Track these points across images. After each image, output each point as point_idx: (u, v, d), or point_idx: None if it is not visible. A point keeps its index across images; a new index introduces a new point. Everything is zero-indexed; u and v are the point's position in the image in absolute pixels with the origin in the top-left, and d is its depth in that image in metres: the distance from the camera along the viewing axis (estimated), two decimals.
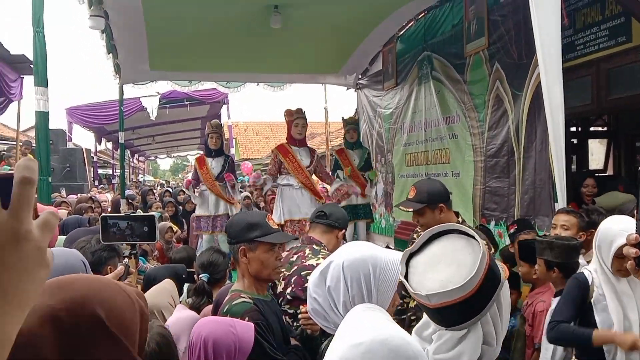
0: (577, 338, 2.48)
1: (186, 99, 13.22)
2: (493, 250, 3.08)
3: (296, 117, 6.47)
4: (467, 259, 1.18)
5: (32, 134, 10.85)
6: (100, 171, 20.15)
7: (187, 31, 6.57)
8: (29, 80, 8.53)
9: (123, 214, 2.28)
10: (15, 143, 9.98)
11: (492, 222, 5.23)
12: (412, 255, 1.30)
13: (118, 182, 12.43)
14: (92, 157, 16.82)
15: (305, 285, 2.25)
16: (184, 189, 7.34)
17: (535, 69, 4.39)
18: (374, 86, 8.45)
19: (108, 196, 11.28)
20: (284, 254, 2.82)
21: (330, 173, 7.33)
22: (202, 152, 8.38)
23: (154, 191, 12.71)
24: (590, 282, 2.47)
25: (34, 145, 7.98)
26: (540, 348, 2.96)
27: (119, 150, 10.71)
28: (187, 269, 3.39)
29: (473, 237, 1.25)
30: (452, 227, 1.31)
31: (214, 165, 7.06)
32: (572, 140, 7.32)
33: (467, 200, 5.63)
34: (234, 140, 17.83)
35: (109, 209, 8.67)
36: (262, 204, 9.54)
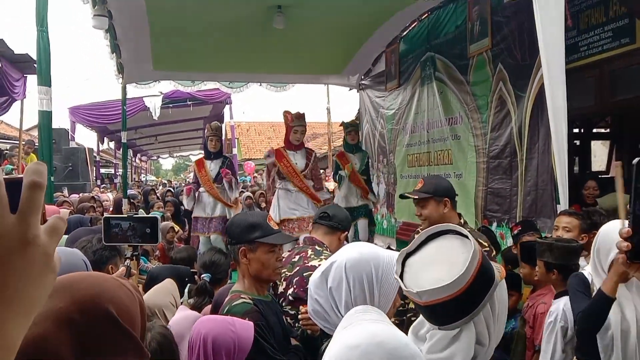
0: (597, 308, 2.32)
1: (189, 99, 13.24)
2: (494, 252, 3.07)
3: (296, 124, 6.47)
4: (460, 258, 1.18)
5: (35, 133, 10.87)
6: (102, 170, 20.19)
7: (190, 31, 6.57)
8: (32, 79, 8.57)
9: (126, 215, 2.28)
10: (18, 142, 10.00)
11: (494, 224, 5.22)
12: (408, 255, 1.31)
13: (120, 182, 12.45)
14: (95, 157, 16.85)
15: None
16: (184, 194, 7.33)
17: (538, 70, 4.38)
18: (376, 87, 8.44)
19: (110, 196, 11.29)
20: (286, 255, 2.82)
21: (332, 175, 7.32)
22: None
23: (156, 191, 12.72)
24: (590, 281, 2.46)
25: (36, 144, 8.00)
26: (540, 350, 2.96)
27: (121, 149, 10.73)
28: (185, 267, 3.40)
29: (467, 237, 1.25)
30: (448, 228, 1.31)
31: (212, 167, 7.07)
32: (575, 141, 7.31)
33: (469, 201, 5.62)
34: (236, 140, 17.84)
35: (111, 209, 8.68)
36: (263, 204, 9.54)
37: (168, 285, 2.92)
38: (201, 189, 7.07)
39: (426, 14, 6.71)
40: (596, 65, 4.52)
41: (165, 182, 28.15)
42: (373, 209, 7.85)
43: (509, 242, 4.57)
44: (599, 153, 9.06)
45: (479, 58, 5.46)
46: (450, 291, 1.14)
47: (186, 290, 3.11)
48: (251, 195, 9.85)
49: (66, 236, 3.24)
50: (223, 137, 8.08)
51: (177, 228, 6.98)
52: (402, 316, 2.89)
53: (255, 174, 19.95)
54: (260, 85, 9.20)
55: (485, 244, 2.91)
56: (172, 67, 8.28)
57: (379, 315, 1.25)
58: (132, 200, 9.09)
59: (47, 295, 0.62)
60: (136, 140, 19.00)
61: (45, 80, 4.26)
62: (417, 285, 1.20)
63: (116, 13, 5.82)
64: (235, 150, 16.55)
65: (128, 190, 9.80)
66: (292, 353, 2.16)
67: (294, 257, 2.77)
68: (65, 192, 10.12)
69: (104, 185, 16.58)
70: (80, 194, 9.80)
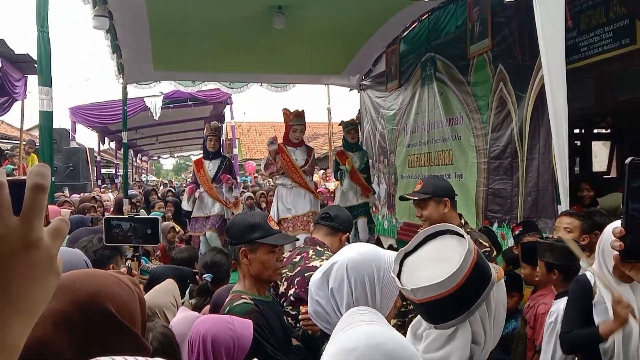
0: (588, 341, 2.43)
1: (190, 99, 13.24)
2: (495, 252, 3.07)
3: (295, 123, 6.47)
4: (456, 257, 1.18)
5: (36, 133, 10.88)
6: (103, 170, 20.18)
7: (191, 31, 6.57)
8: (32, 79, 8.57)
9: (127, 216, 2.28)
10: (18, 142, 10.01)
11: (495, 224, 5.22)
12: (407, 255, 1.31)
13: (121, 182, 12.45)
14: (96, 157, 16.86)
15: None
16: (185, 194, 7.34)
17: (539, 70, 4.38)
18: (377, 87, 8.44)
19: (110, 196, 11.30)
20: (287, 255, 2.82)
21: (333, 173, 7.31)
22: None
23: (157, 191, 12.73)
24: (592, 284, 2.46)
25: (37, 144, 8.00)
26: (541, 350, 2.96)
27: (122, 149, 10.74)
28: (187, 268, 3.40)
29: (463, 236, 1.25)
30: (447, 228, 1.31)
31: (211, 167, 7.08)
32: (576, 142, 7.31)
33: (470, 201, 5.62)
34: (237, 140, 17.84)
35: (112, 209, 8.69)
36: (264, 204, 9.55)
37: (169, 285, 2.92)
38: (200, 189, 7.08)
39: (426, 15, 6.71)
40: (597, 66, 4.52)
41: (166, 182, 28.15)
42: (374, 209, 7.84)
43: (510, 242, 4.57)
44: (600, 153, 9.05)
45: (480, 59, 5.46)
46: (444, 289, 1.15)
47: (187, 290, 3.11)
48: (252, 195, 9.86)
49: (67, 236, 3.24)
50: (223, 138, 8.09)
51: (178, 228, 6.99)
52: (404, 317, 2.89)
53: (256, 174, 19.96)
54: (261, 85, 9.20)
55: (486, 244, 2.92)
56: (173, 68, 8.29)
57: (376, 316, 1.25)
58: (132, 200, 9.10)
59: (50, 297, 0.62)
60: (137, 140, 19.01)
61: (45, 81, 4.26)
62: (412, 283, 1.21)
63: (116, 13, 5.82)
64: (236, 151, 16.56)
65: (129, 190, 9.81)
66: (293, 353, 2.16)
67: (295, 258, 2.77)
68: (66, 192, 10.13)
69: (104, 185, 16.57)
70: (81, 194, 9.81)
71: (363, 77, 8.96)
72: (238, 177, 11.62)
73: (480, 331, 1.20)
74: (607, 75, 4.52)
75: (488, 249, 2.88)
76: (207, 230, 6.92)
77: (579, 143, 7.56)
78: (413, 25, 7.16)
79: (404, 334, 1.28)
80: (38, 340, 0.87)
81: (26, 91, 8.85)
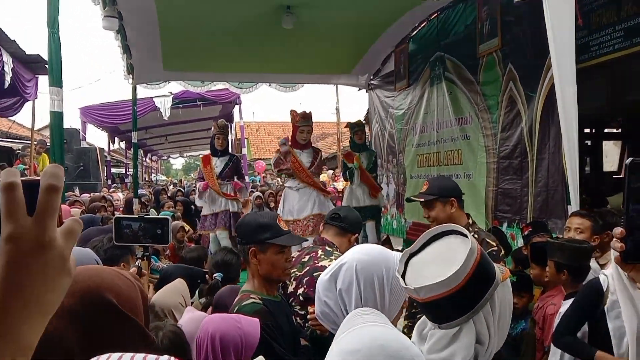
0: (581, 353, 2.53)
1: (199, 99, 13.29)
2: (503, 252, 3.06)
3: (302, 124, 6.49)
4: (459, 257, 1.18)
5: (47, 132, 10.95)
6: (113, 170, 20.32)
7: (200, 32, 6.60)
8: (43, 80, 8.63)
9: (137, 216, 2.29)
10: (30, 142, 10.09)
11: (505, 224, 5.19)
12: (412, 256, 1.31)
13: (131, 181, 12.53)
14: (106, 157, 16.97)
15: None
16: (196, 190, 7.37)
17: (548, 70, 4.35)
18: (386, 87, 8.43)
19: (120, 195, 11.37)
20: (296, 254, 2.83)
21: (342, 173, 7.30)
22: None
23: (167, 190, 12.79)
24: (605, 289, 2.43)
25: (48, 144, 8.06)
26: (550, 351, 2.94)
27: (132, 149, 10.80)
28: (198, 268, 3.42)
29: (466, 236, 1.25)
30: (452, 228, 1.31)
31: (218, 164, 7.13)
32: (586, 141, 7.26)
33: (479, 201, 5.60)
34: (245, 140, 17.87)
35: (122, 208, 8.74)
36: (272, 204, 9.56)
37: (178, 285, 2.93)
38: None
39: (435, 14, 6.69)
40: (607, 65, 4.48)
41: (176, 181, 28.28)
42: (383, 209, 7.82)
43: (520, 242, 4.55)
44: (611, 153, 8.99)
45: (489, 58, 5.44)
46: (446, 287, 1.14)
47: (197, 290, 3.13)
48: (261, 195, 9.88)
49: None
50: (232, 137, 8.12)
51: (187, 227, 7.02)
52: (414, 318, 2.89)
53: (265, 174, 20.00)
54: (270, 85, 9.22)
55: (494, 243, 2.90)
56: (182, 68, 8.33)
57: (379, 317, 1.25)
58: (142, 200, 9.15)
59: (63, 297, 0.62)
60: (147, 140, 19.11)
61: (56, 81, 4.28)
62: (416, 282, 1.21)
63: (126, 14, 5.85)
64: (244, 150, 16.60)
65: (138, 190, 9.87)
66: (302, 353, 2.16)
67: (304, 257, 2.77)
68: (77, 191, 10.21)
69: (114, 184, 16.67)
70: (92, 194, 9.88)
71: (372, 77, 8.95)
72: (247, 177, 11.65)
73: (485, 331, 1.20)
74: (618, 75, 4.48)
75: (495, 248, 2.87)
76: (217, 229, 6.96)
77: (589, 143, 7.52)
78: (422, 25, 7.14)
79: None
80: (44, 336, 0.88)
81: (37, 91, 8.92)
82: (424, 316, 1.31)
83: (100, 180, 13.87)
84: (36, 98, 9.04)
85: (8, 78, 7.26)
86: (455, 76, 6.14)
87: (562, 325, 2.61)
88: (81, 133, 14.78)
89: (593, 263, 2.99)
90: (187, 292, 2.92)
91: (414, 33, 7.40)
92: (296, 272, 2.68)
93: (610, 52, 4.33)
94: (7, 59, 7.18)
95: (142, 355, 0.80)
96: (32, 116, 9.57)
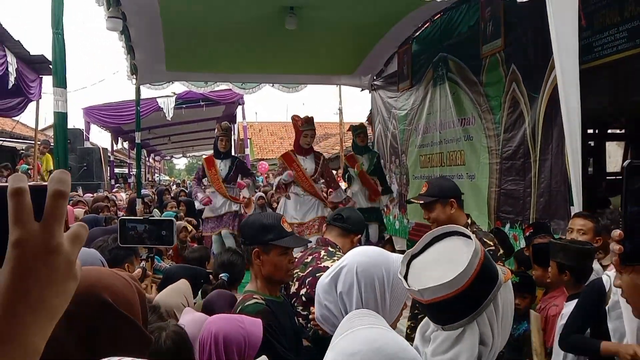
0: (587, 348, 2.53)
1: (202, 100, 13.29)
2: (500, 252, 3.05)
3: (306, 128, 6.51)
4: (463, 258, 1.18)
5: (50, 132, 10.98)
6: (116, 170, 20.35)
7: (203, 32, 6.61)
8: (47, 80, 8.66)
9: (142, 218, 2.31)
10: (33, 142, 10.12)
11: (507, 225, 5.19)
12: (414, 257, 1.31)
13: (134, 181, 12.54)
14: (109, 157, 16.99)
15: None
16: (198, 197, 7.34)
17: (552, 71, 4.35)
18: (388, 87, 8.43)
19: (123, 195, 11.39)
20: (299, 255, 2.83)
21: (342, 175, 7.32)
22: None
23: (170, 191, 12.80)
24: (607, 289, 2.43)
25: (52, 144, 8.08)
26: (552, 352, 2.94)
27: (135, 149, 10.82)
28: (201, 269, 3.42)
29: (470, 237, 1.25)
30: (453, 229, 1.31)
31: (222, 167, 7.13)
32: (589, 142, 7.25)
33: (482, 202, 5.59)
34: (248, 140, 17.89)
35: (124, 208, 8.76)
36: (275, 204, 9.57)
37: (181, 285, 2.93)
38: (210, 189, 7.13)
39: (438, 15, 6.69)
40: (611, 66, 4.47)
41: (179, 182, 28.32)
42: (385, 210, 7.82)
43: (522, 243, 4.54)
44: (614, 154, 8.96)
45: (492, 59, 5.43)
46: (451, 289, 1.14)
47: (200, 290, 3.13)
48: (264, 195, 9.88)
49: None
50: (235, 138, 8.12)
51: (190, 228, 7.03)
52: (416, 319, 2.89)
53: (268, 174, 20.01)
54: (273, 86, 9.22)
55: (491, 243, 2.89)
56: (185, 68, 8.34)
57: (376, 319, 1.25)
58: (145, 200, 9.16)
59: (69, 301, 0.63)
60: (150, 140, 19.12)
61: (60, 82, 4.29)
62: (420, 284, 1.21)
63: (130, 15, 5.86)
64: (247, 151, 16.61)
65: (141, 190, 9.88)
66: (304, 354, 2.17)
67: (307, 258, 2.78)
68: (80, 191, 10.23)
69: (118, 184, 16.69)
70: (95, 194, 9.90)
71: (375, 78, 8.96)
72: (255, 177, 11.65)
73: (488, 332, 1.20)
74: (621, 75, 4.46)
75: (493, 247, 2.86)
76: (222, 228, 6.97)
77: (592, 143, 7.50)
78: (425, 26, 7.14)
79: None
80: None
81: (41, 92, 8.95)
82: (426, 317, 1.32)
83: (103, 180, 13.90)
84: (40, 98, 9.07)
85: (12, 78, 7.28)
86: (458, 77, 6.14)
87: (567, 328, 2.61)
88: (85, 133, 14.81)
89: (596, 264, 2.99)
90: (190, 293, 2.93)
91: (417, 34, 7.40)
92: (299, 273, 2.68)
93: (614, 52, 4.32)
94: (11, 59, 7.21)
95: None
96: (36, 116, 9.62)
